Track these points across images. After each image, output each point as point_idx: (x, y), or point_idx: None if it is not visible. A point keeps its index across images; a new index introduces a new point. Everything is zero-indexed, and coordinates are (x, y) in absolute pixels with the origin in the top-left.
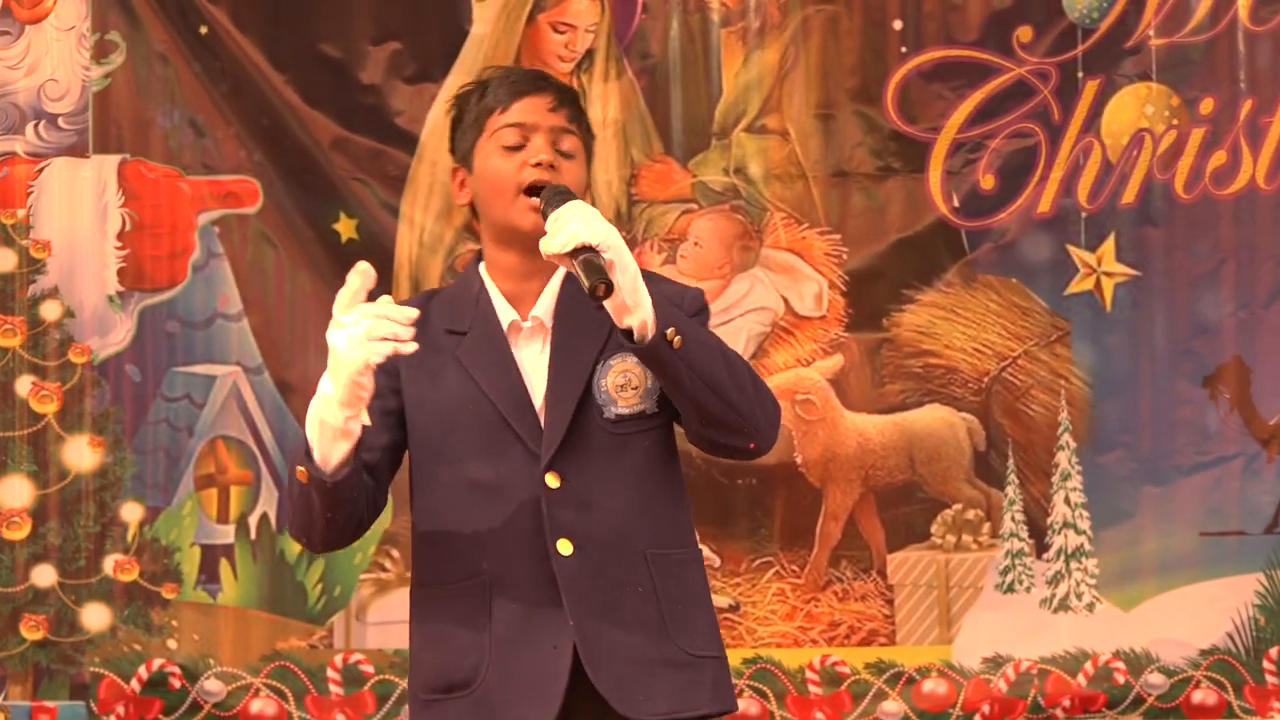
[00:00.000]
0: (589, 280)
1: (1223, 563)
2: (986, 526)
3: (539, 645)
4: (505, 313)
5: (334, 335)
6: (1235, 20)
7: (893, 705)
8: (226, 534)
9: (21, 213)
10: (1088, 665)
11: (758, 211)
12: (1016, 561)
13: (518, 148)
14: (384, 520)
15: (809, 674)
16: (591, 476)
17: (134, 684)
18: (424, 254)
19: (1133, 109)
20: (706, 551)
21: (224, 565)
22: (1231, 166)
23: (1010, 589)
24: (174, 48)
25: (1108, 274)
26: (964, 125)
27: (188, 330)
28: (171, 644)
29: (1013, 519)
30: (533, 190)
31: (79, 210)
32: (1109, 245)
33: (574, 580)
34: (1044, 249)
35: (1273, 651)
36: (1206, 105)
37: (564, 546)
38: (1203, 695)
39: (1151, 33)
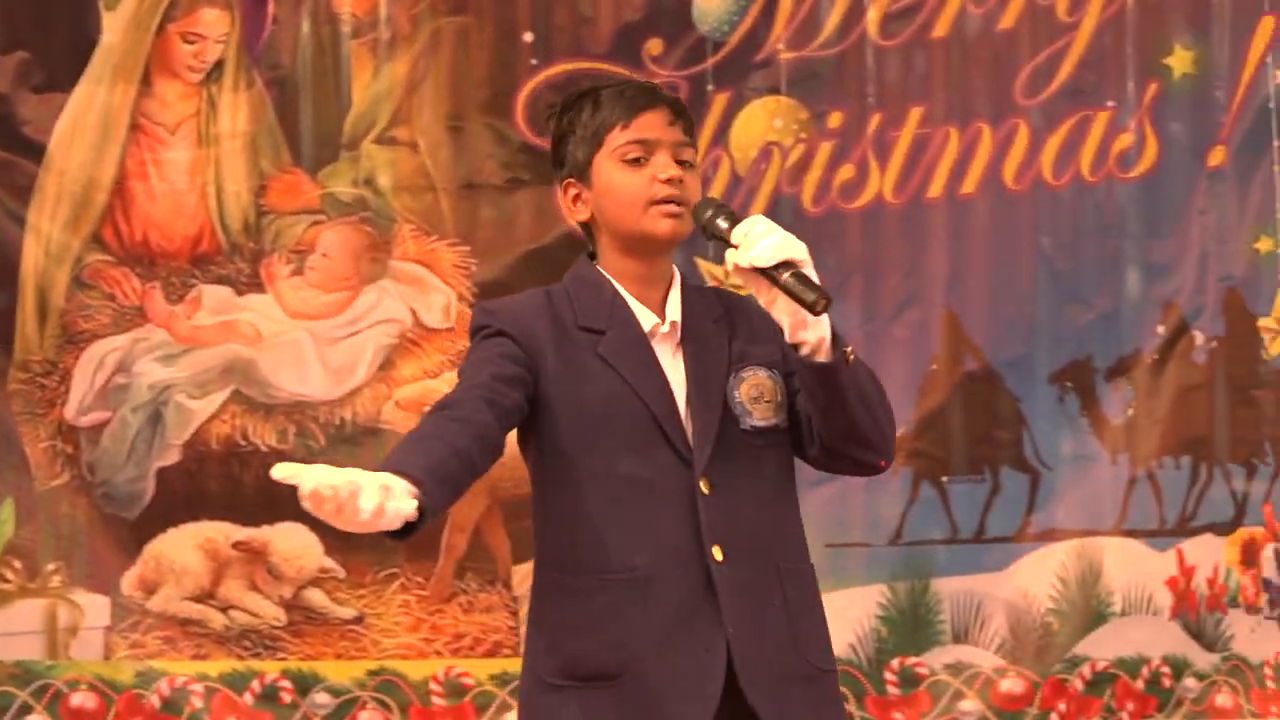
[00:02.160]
0: (811, 295)
1: (847, 574)
2: None
3: (693, 646)
4: (645, 317)
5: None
6: (864, 35)
7: (515, 717)
8: None
9: None
10: None
11: (386, 223)
12: None
13: (639, 161)
14: (6, 531)
15: (434, 685)
16: (735, 486)
17: None
18: (50, 264)
19: (762, 122)
20: (331, 564)
21: None
22: (859, 180)
23: None
24: None
25: (735, 287)
26: None
27: None
28: None
29: None
30: (664, 203)
31: None
32: None
33: (727, 586)
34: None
35: (894, 662)
36: (835, 119)
37: (717, 552)
38: None
39: (781, 46)
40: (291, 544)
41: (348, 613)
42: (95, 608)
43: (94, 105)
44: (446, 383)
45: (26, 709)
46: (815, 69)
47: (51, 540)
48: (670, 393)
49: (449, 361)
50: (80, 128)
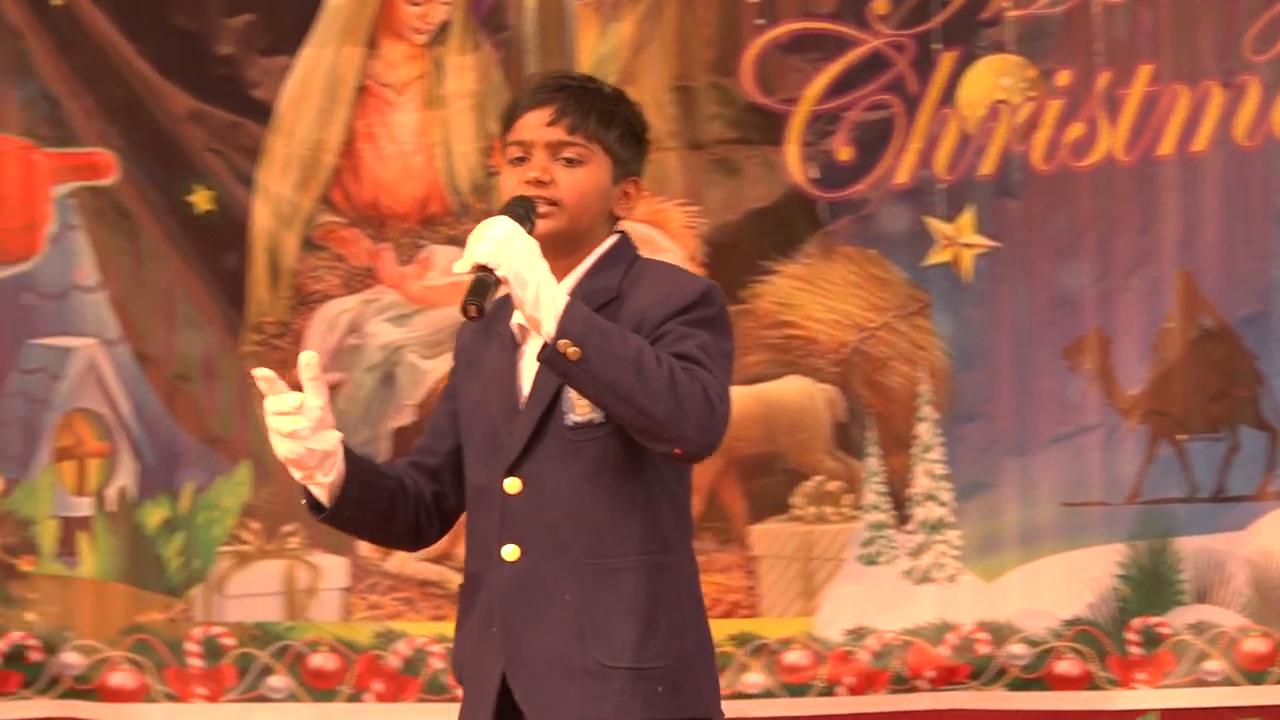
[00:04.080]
0: (465, 299)
1: (1085, 533)
2: (848, 498)
3: (489, 648)
4: (517, 315)
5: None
6: None
7: (756, 677)
8: (84, 506)
9: None
10: (950, 636)
11: None
12: (879, 533)
13: (522, 161)
14: (244, 493)
15: None
16: (547, 482)
17: None
18: (280, 226)
19: (989, 80)
20: None
21: (82, 537)
22: (1089, 138)
23: (873, 561)
24: (27, 21)
25: (966, 245)
26: (821, 97)
27: (44, 303)
28: (30, 617)
29: (874, 491)
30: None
31: None
32: (967, 217)
33: (509, 586)
34: (902, 220)
35: (1135, 622)
36: (1063, 77)
37: (511, 552)
38: (1066, 666)
39: (1008, 4)
40: None
41: None
42: (333, 569)
43: (320, 67)
44: None
45: (267, 670)
46: (1043, 26)
47: (289, 502)
48: (515, 394)
49: None
50: (308, 90)
